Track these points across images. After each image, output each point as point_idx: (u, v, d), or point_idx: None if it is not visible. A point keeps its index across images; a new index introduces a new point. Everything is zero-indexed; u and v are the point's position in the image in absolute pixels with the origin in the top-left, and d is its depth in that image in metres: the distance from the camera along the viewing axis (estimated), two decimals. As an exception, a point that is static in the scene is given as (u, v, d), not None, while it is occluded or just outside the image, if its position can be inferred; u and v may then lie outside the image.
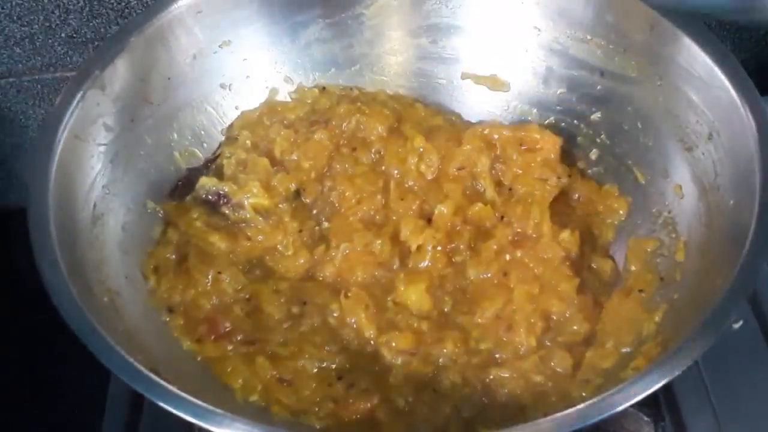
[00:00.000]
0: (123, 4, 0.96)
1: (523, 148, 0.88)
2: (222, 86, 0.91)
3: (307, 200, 0.87)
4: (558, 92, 0.92)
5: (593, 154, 0.90)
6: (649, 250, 0.82)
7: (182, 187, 0.87)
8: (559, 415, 0.60)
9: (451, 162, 0.88)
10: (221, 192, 0.85)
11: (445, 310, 0.80)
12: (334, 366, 0.76)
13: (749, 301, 0.87)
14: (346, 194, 0.86)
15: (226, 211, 0.85)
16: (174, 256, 0.82)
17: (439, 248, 0.82)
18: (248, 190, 0.84)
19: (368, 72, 0.95)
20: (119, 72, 0.80)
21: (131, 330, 0.72)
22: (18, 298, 0.88)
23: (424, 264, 0.82)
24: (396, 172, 0.88)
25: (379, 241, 0.82)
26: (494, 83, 0.94)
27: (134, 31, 0.82)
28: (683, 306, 0.73)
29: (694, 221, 0.78)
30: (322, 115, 0.91)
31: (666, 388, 0.81)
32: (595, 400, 0.61)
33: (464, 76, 0.95)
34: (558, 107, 0.92)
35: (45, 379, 0.93)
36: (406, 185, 0.88)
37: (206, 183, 0.85)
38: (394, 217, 0.86)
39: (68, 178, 0.74)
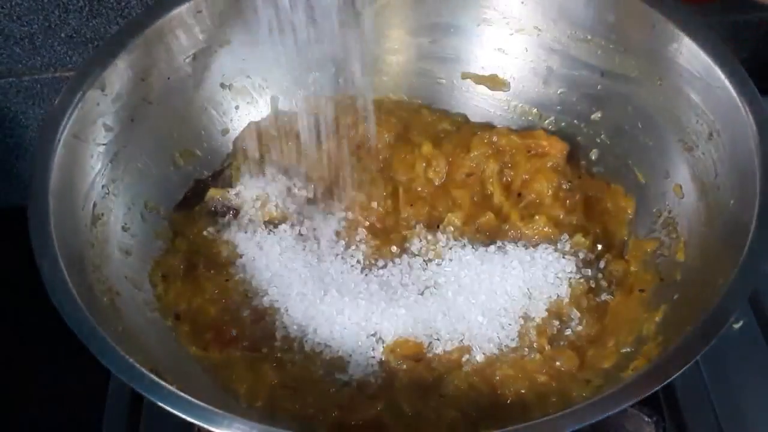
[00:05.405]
0: (123, 3, 0.96)
1: (530, 153, 0.88)
2: (222, 86, 0.91)
3: (318, 211, 0.87)
4: (558, 92, 0.92)
5: (593, 154, 0.90)
6: (649, 250, 0.82)
7: (190, 198, 0.87)
8: (559, 415, 0.60)
9: (459, 168, 0.88)
10: (230, 203, 0.85)
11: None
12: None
13: (749, 301, 0.87)
14: (355, 201, 0.86)
15: (235, 222, 0.85)
16: (182, 265, 0.82)
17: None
18: (257, 202, 0.84)
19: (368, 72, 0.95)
20: (119, 72, 0.80)
21: (131, 330, 0.72)
22: (18, 298, 0.88)
23: None
24: (404, 178, 0.89)
25: (388, 248, 0.83)
26: (494, 83, 0.94)
27: (134, 31, 0.82)
28: (683, 306, 0.73)
29: (694, 221, 0.78)
30: (328, 126, 0.92)
31: (666, 388, 0.81)
32: (595, 400, 0.61)
33: (464, 76, 0.95)
34: (558, 107, 0.92)
35: (45, 379, 0.93)
36: (415, 191, 0.88)
37: (215, 195, 0.86)
38: (404, 223, 0.86)
39: (68, 178, 0.74)
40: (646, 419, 0.77)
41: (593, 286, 0.81)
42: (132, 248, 0.80)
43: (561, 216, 0.84)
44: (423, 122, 0.93)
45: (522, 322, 0.77)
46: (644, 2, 0.81)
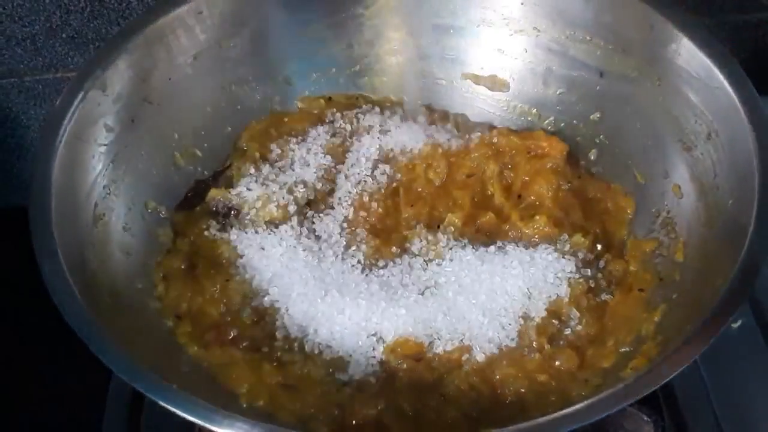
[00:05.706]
0: (124, 4, 0.96)
1: (530, 154, 0.88)
2: (222, 87, 0.91)
3: (318, 211, 0.87)
4: (558, 92, 0.92)
5: (593, 155, 0.90)
6: (648, 250, 0.82)
7: (191, 198, 0.87)
8: (559, 414, 0.60)
9: (459, 169, 0.89)
10: (231, 204, 0.85)
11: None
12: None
13: (749, 301, 0.87)
14: (355, 202, 0.86)
15: (236, 222, 0.85)
16: (183, 265, 0.82)
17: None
18: (258, 202, 0.85)
19: (368, 72, 0.95)
20: (120, 72, 0.80)
21: (131, 330, 0.72)
22: (18, 298, 0.88)
23: None
24: (404, 178, 0.89)
25: (389, 248, 0.83)
26: (494, 83, 0.94)
27: (135, 32, 0.82)
28: (683, 306, 0.73)
29: (693, 221, 0.78)
30: (329, 127, 0.92)
31: (666, 388, 0.81)
32: (595, 400, 0.61)
33: (464, 76, 0.95)
34: (557, 107, 0.92)
35: (45, 379, 0.93)
36: (415, 192, 0.88)
37: (216, 195, 0.86)
38: (404, 223, 0.86)
39: (69, 179, 0.75)
40: (646, 419, 0.77)
41: (593, 285, 0.81)
42: (133, 248, 0.80)
43: (561, 216, 0.84)
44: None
45: (522, 322, 0.78)
46: (643, 3, 0.82)
